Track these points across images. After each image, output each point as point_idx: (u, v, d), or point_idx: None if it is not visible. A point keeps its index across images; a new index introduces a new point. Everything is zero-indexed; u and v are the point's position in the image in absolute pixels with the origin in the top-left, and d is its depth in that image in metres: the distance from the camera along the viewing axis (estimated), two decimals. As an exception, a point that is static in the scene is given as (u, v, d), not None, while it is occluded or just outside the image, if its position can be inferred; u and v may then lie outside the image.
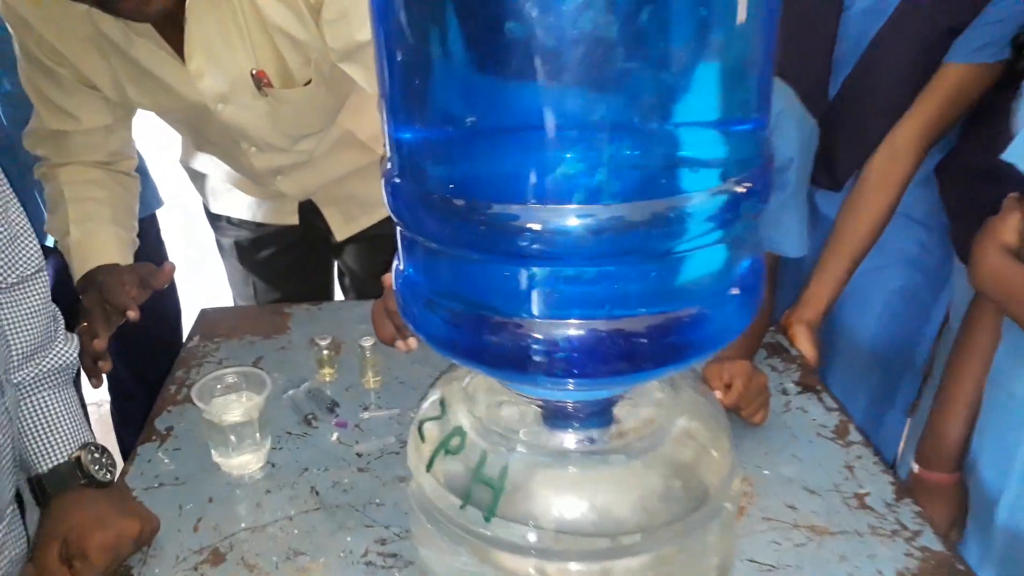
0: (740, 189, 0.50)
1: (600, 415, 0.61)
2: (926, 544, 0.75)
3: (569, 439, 0.60)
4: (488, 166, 0.49)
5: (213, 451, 0.87)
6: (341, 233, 1.30)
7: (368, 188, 1.26)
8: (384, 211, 1.30)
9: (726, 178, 0.49)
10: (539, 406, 0.61)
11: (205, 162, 1.27)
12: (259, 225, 1.31)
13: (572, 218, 0.47)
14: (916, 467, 0.95)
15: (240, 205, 1.31)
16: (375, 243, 1.33)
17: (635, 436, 0.60)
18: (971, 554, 0.86)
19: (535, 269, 0.50)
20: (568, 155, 0.47)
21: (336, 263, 1.43)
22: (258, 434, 0.87)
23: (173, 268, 1.03)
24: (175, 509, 0.83)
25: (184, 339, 1.43)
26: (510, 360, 0.53)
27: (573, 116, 0.45)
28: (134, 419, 1.41)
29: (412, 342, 0.94)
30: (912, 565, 0.73)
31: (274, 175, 1.18)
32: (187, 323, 1.36)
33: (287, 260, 1.36)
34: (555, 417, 0.61)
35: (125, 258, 1.05)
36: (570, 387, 0.56)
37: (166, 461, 0.90)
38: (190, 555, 0.77)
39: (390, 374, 1.03)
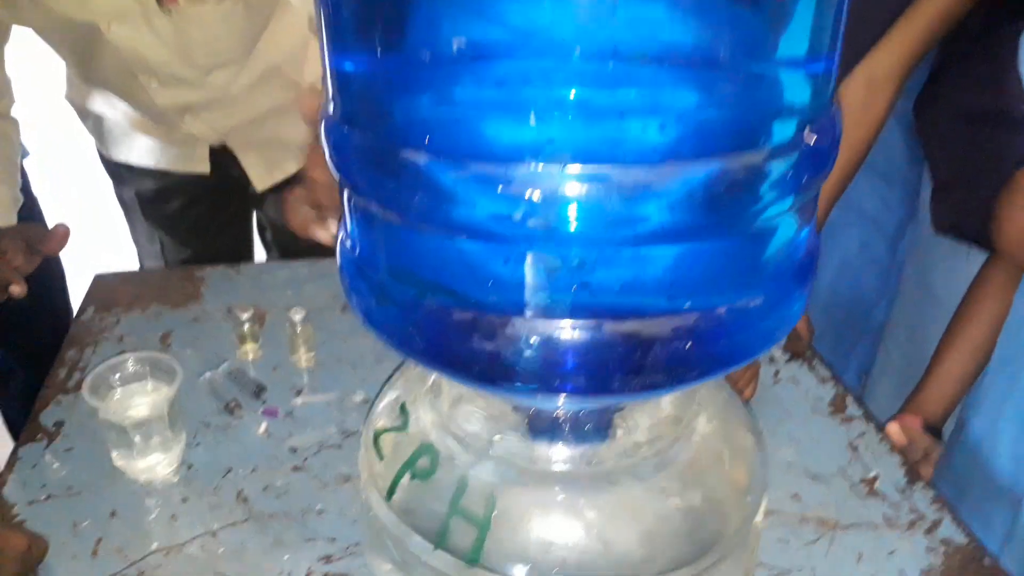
0: (809, 144, 0.38)
1: (603, 427, 0.49)
2: (948, 536, 0.67)
3: (567, 457, 0.48)
4: (474, 111, 0.35)
5: (113, 452, 0.72)
6: (261, 182, 1.13)
7: (293, 129, 1.08)
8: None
9: (799, 131, 0.37)
10: (527, 416, 0.49)
11: (98, 100, 1.07)
12: (165, 173, 1.13)
13: (589, 184, 0.34)
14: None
15: (141, 150, 1.11)
16: None
17: (647, 450, 0.49)
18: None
19: (532, 252, 0.37)
20: (591, 95, 0.33)
21: (256, 215, 1.26)
22: (169, 430, 0.72)
23: (67, 231, 0.86)
24: (68, 527, 0.68)
25: (72, 306, 1.25)
26: (491, 369, 0.40)
27: (604, 39, 0.32)
28: (15, 397, 1.23)
29: (333, 226, 0.75)
30: (936, 562, 0.65)
31: (181, 114, 0.99)
32: (75, 287, 1.18)
33: (198, 213, 1.18)
34: (548, 431, 0.48)
35: (7, 218, 0.88)
36: (568, 401, 0.44)
37: (55, 466, 0.74)
38: (88, 588, 0.63)
39: (325, 349, 0.89)
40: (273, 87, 1.01)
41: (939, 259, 1.04)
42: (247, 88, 0.99)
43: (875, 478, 0.73)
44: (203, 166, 1.10)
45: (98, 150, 1.17)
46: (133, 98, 0.99)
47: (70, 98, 1.11)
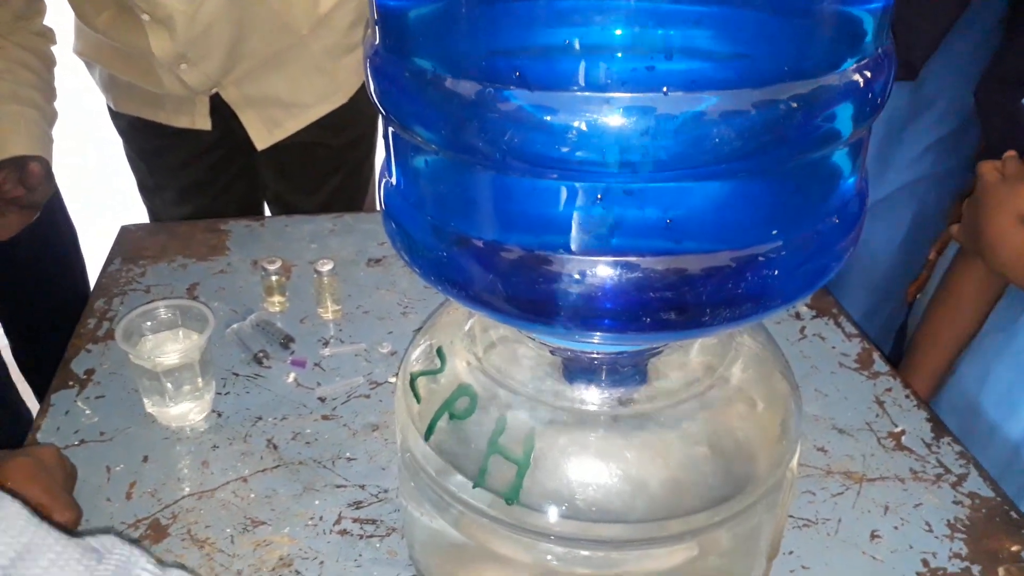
0: (861, 79, 0.37)
1: (639, 371, 0.49)
2: (974, 489, 0.67)
3: (602, 400, 0.48)
4: (521, 39, 0.35)
5: (145, 400, 0.73)
6: (262, 141, 1.11)
7: (294, 86, 1.07)
8: (313, 114, 1.13)
9: (852, 67, 0.36)
10: (564, 358, 0.49)
11: (96, 46, 1.06)
12: (167, 127, 1.11)
13: (636, 116, 0.34)
14: None
15: (145, 104, 1.10)
16: (302, 152, 1.16)
17: (683, 394, 0.49)
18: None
19: (577, 185, 0.37)
20: (640, 28, 0.33)
21: (260, 177, 1.25)
22: (200, 379, 0.73)
23: (40, 169, 0.84)
24: (102, 472, 0.69)
25: (85, 263, 1.25)
26: (533, 307, 0.40)
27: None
28: (44, 362, 1.23)
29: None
30: (962, 515, 0.65)
31: (177, 62, 0.97)
32: (98, 244, 1.18)
33: (203, 169, 1.17)
34: (585, 374, 0.49)
35: (36, 147, 0.86)
36: (608, 341, 0.44)
37: (88, 412, 0.75)
38: (123, 530, 0.64)
39: (351, 302, 0.89)
40: (267, 29, 0.99)
41: None
42: (237, 27, 0.97)
43: (902, 432, 0.73)
44: (204, 123, 1.09)
45: (106, 103, 1.16)
46: (130, 42, 0.97)
47: (78, 51, 1.10)
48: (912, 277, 1.17)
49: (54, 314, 1.14)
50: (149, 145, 1.15)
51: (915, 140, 1.06)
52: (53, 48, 1.00)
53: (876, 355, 0.82)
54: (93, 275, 0.96)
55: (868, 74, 0.37)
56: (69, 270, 1.21)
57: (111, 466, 0.69)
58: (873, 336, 1.20)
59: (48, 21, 1.00)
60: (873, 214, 1.10)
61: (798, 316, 0.88)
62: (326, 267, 0.84)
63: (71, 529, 0.60)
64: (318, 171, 1.20)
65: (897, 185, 1.07)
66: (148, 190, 1.22)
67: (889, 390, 0.78)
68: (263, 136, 1.11)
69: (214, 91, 1.05)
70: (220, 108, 1.08)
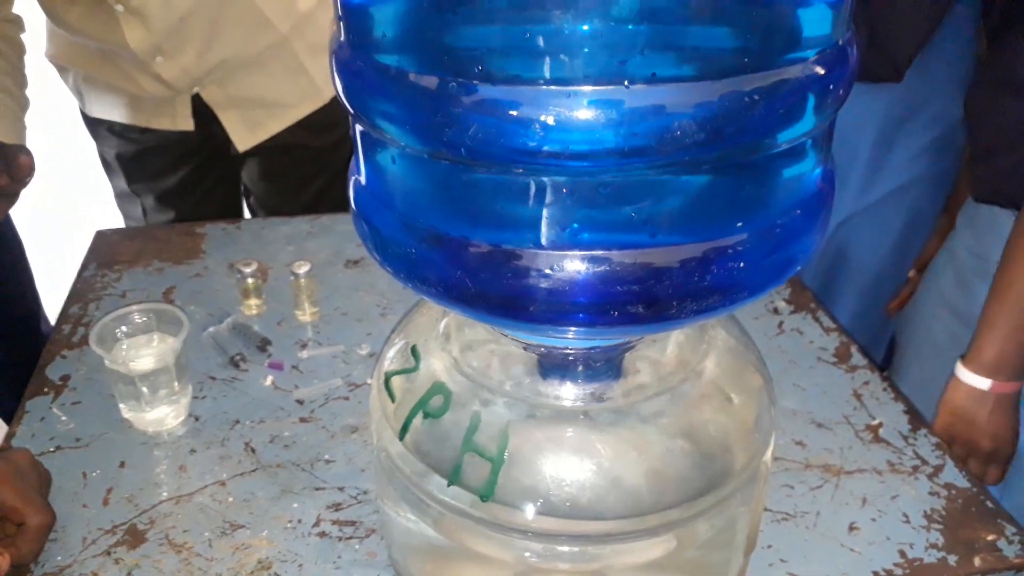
0: (822, 70, 0.37)
1: (613, 366, 0.49)
2: (950, 480, 0.68)
3: (577, 395, 0.48)
4: (485, 33, 0.35)
5: (121, 405, 0.73)
6: (243, 142, 1.10)
7: (275, 85, 1.06)
8: (295, 114, 1.12)
9: (812, 58, 0.36)
10: (538, 355, 0.49)
11: (75, 53, 1.05)
12: (146, 131, 1.10)
13: (596, 108, 0.34)
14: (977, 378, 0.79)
15: (123, 107, 1.08)
16: (285, 155, 1.15)
17: (657, 388, 0.49)
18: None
19: (545, 180, 0.37)
20: (604, 22, 0.33)
21: (242, 181, 1.24)
22: (176, 383, 0.72)
23: (31, 159, 0.82)
24: (78, 478, 0.68)
25: (31, 269, 1.23)
26: (505, 302, 0.40)
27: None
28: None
29: None
30: (939, 505, 0.66)
31: (153, 55, 0.96)
32: (69, 247, 1.16)
33: (183, 175, 1.16)
34: (559, 370, 0.49)
35: (12, 134, 0.84)
36: (580, 336, 0.44)
37: (63, 418, 0.74)
38: (101, 536, 0.63)
39: (329, 304, 0.89)
40: (244, 23, 0.98)
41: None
42: (214, 19, 0.96)
43: (879, 425, 0.73)
44: (186, 123, 1.07)
45: (80, 109, 1.15)
46: (104, 37, 0.97)
47: (50, 56, 1.09)
48: (904, 280, 1.18)
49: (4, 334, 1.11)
50: (127, 150, 1.14)
51: (907, 143, 1.06)
52: (23, 36, 0.99)
53: (854, 349, 0.82)
54: (69, 281, 0.94)
55: (828, 66, 0.37)
56: (15, 281, 1.17)
57: (87, 472, 0.69)
58: (863, 340, 1.20)
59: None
60: (865, 217, 1.10)
61: (776, 311, 0.88)
62: (303, 269, 0.84)
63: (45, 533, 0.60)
64: (302, 174, 1.19)
65: (890, 188, 1.08)
66: (126, 197, 1.21)
67: (867, 383, 0.78)
68: (244, 137, 1.10)
69: (195, 90, 1.05)
70: (200, 111, 1.07)
